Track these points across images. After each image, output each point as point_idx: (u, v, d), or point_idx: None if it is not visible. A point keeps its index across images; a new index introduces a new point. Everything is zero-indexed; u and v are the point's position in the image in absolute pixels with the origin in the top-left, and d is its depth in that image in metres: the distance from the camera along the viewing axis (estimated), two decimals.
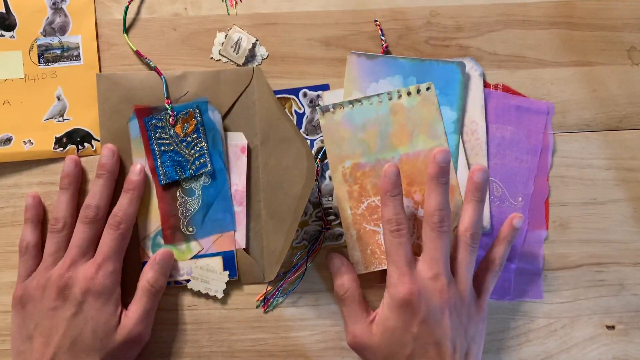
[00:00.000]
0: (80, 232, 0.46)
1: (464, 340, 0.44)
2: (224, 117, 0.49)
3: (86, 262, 0.45)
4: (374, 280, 0.49)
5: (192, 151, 0.48)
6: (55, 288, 0.44)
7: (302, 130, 0.50)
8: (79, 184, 0.48)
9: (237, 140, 0.49)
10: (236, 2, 0.51)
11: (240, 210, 0.49)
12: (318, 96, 0.50)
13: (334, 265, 0.48)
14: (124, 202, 0.46)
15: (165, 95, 0.49)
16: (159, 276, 0.47)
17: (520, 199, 0.50)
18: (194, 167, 0.48)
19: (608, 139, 0.51)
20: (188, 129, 0.48)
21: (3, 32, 0.49)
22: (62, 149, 0.49)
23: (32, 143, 0.49)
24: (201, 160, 0.48)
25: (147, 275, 0.46)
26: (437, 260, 0.44)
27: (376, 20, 0.50)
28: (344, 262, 0.48)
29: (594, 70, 0.51)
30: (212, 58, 0.50)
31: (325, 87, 0.50)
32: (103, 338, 0.44)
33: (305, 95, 0.50)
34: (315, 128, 0.50)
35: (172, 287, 0.49)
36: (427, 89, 0.49)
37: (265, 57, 0.50)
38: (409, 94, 0.49)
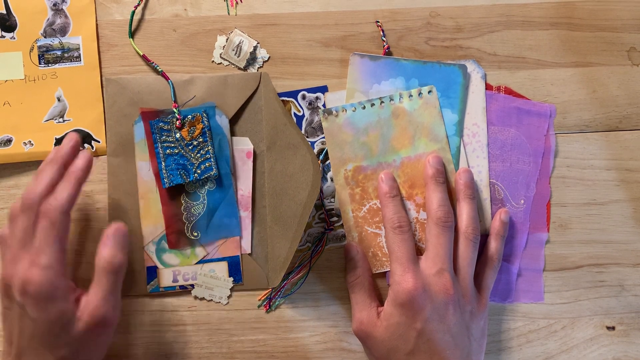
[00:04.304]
0: (20, 221, 0.41)
1: (466, 337, 0.44)
2: (230, 122, 0.49)
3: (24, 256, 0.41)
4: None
5: (198, 155, 0.48)
6: (1, 288, 0.42)
7: (302, 132, 0.50)
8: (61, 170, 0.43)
9: (244, 145, 0.49)
10: (237, 2, 0.51)
11: (245, 215, 0.49)
12: (317, 98, 0.50)
13: (350, 253, 0.49)
14: (58, 189, 0.42)
15: (173, 99, 0.49)
16: (115, 252, 0.42)
17: (522, 201, 0.50)
18: (199, 171, 0.48)
19: (608, 139, 0.51)
20: (194, 133, 0.48)
21: (3, 33, 0.49)
22: None
23: (32, 144, 0.49)
24: (207, 164, 0.48)
25: (102, 253, 0.42)
26: (441, 256, 0.44)
27: (378, 22, 0.50)
28: (360, 251, 0.49)
29: (594, 70, 0.51)
30: (213, 61, 0.50)
31: (324, 89, 0.50)
32: (61, 333, 0.40)
33: (304, 97, 0.50)
34: (315, 130, 0.50)
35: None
36: (429, 92, 0.49)
37: (266, 59, 0.50)
38: (410, 97, 0.49)
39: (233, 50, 0.50)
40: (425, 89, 0.49)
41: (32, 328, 0.40)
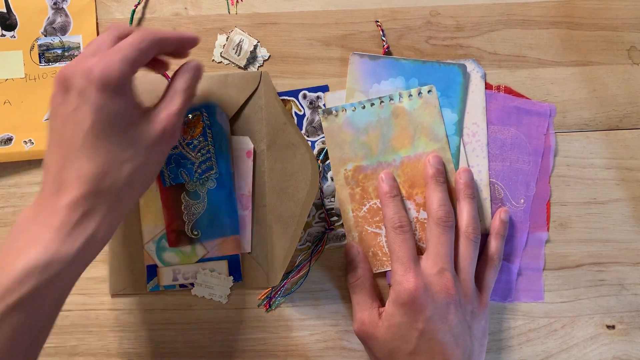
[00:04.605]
0: (97, 39, 0.39)
1: (467, 337, 0.44)
2: (231, 121, 0.49)
3: None
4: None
5: (199, 154, 0.48)
6: (57, 82, 0.37)
7: (303, 131, 0.50)
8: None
9: (244, 145, 0.49)
10: (237, 1, 0.51)
11: (245, 214, 0.49)
12: (318, 97, 0.50)
13: (350, 254, 0.49)
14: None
15: None
16: (193, 83, 0.41)
17: (522, 201, 0.50)
18: (200, 171, 0.48)
19: (608, 138, 0.51)
20: (195, 132, 0.48)
21: (4, 32, 0.49)
22: None
23: (32, 143, 0.49)
24: (207, 164, 0.48)
25: (184, 78, 0.41)
26: (442, 255, 0.44)
27: (377, 21, 0.50)
28: (360, 252, 0.49)
29: (594, 69, 0.51)
30: (213, 60, 0.50)
31: (324, 89, 0.50)
32: (128, 130, 0.37)
33: (305, 96, 0.50)
34: (315, 129, 0.50)
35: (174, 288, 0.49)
36: (429, 91, 0.49)
37: (266, 58, 0.50)
38: (410, 96, 0.49)
39: (233, 49, 0.50)
40: (425, 89, 0.49)
41: (93, 118, 0.35)
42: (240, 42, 0.50)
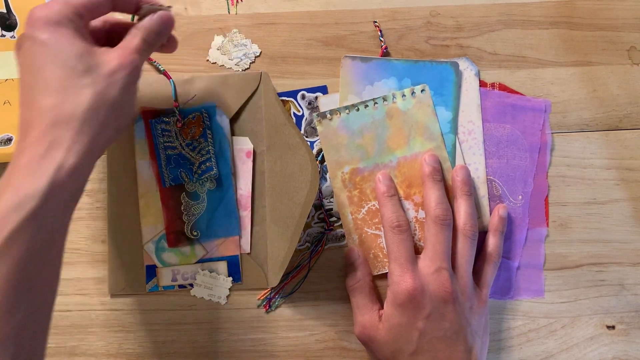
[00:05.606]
0: None
1: (468, 334, 0.44)
2: (230, 122, 0.49)
3: None
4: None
5: (199, 155, 0.48)
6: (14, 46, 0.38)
7: (302, 132, 0.50)
8: None
9: (243, 145, 0.49)
10: (237, 1, 0.51)
11: (245, 215, 0.49)
12: (316, 98, 0.50)
13: (350, 257, 0.49)
14: None
15: (174, 99, 0.49)
16: (158, 27, 0.40)
17: (520, 197, 0.50)
18: (200, 171, 0.48)
19: (608, 138, 0.51)
20: (195, 133, 0.48)
21: (4, 32, 0.49)
22: None
23: None
24: (207, 164, 0.48)
25: (148, 20, 0.40)
26: (440, 254, 0.45)
27: (375, 22, 0.50)
28: (360, 255, 0.49)
29: (594, 70, 0.51)
30: (208, 60, 0.50)
31: (323, 89, 0.50)
32: (80, 57, 0.36)
33: (303, 97, 0.50)
34: (314, 130, 0.50)
35: (174, 289, 0.49)
36: (422, 90, 0.49)
37: (257, 54, 0.50)
38: (403, 96, 0.49)
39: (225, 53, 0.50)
40: (418, 88, 0.49)
41: (40, 53, 0.36)
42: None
